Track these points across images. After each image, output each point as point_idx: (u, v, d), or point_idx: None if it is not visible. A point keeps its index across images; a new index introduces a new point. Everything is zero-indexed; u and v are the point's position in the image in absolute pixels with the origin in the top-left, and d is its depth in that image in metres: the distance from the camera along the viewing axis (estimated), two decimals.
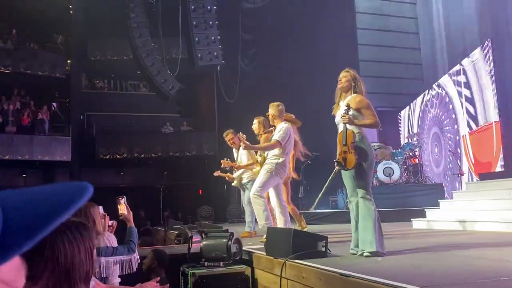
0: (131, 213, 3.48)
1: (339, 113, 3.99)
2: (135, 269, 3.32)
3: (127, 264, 3.28)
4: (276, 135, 5.18)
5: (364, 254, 3.65)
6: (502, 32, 10.50)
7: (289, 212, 5.88)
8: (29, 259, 0.79)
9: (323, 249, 3.80)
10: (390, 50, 14.63)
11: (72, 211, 0.53)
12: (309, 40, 13.81)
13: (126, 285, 3.10)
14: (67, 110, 16.79)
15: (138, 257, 3.40)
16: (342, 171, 3.99)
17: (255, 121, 6.11)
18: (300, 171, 9.56)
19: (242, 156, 6.63)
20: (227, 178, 6.98)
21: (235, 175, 6.81)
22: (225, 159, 6.68)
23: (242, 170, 6.67)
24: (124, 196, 3.50)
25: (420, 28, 14.95)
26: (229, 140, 6.71)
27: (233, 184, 7.04)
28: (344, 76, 4.04)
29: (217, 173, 7.06)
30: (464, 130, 10.88)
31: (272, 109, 5.38)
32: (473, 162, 10.48)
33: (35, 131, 14.84)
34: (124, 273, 3.29)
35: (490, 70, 9.76)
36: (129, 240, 3.34)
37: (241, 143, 5.72)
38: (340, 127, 3.96)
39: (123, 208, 3.46)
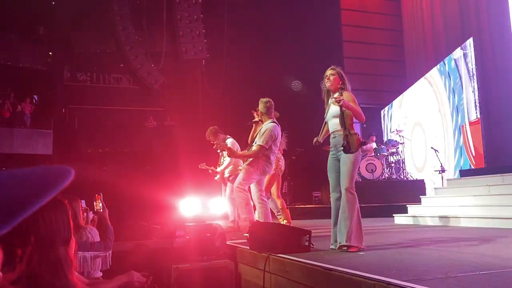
0: (107, 211, 3.51)
1: (330, 109, 4.01)
2: (109, 266, 3.35)
3: (104, 260, 3.31)
4: (260, 139, 5.17)
5: (343, 247, 3.68)
6: (484, 31, 10.66)
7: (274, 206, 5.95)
8: (6, 244, 0.77)
9: (307, 243, 3.82)
10: (374, 47, 14.72)
11: (52, 195, 0.52)
12: (295, 36, 13.81)
13: None
14: (49, 103, 16.51)
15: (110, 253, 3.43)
16: (329, 165, 4.00)
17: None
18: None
19: (225, 154, 6.67)
20: (210, 172, 6.98)
21: (219, 169, 6.82)
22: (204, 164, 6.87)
23: (225, 164, 6.68)
24: (101, 194, 3.49)
25: (404, 25, 15.09)
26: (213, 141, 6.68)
27: (216, 178, 7.03)
28: (332, 74, 4.04)
29: (202, 166, 7.03)
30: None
31: (259, 106, 5.37)
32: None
33: (15, 124, 14.55)
34: (102, 269, 3.32)
35: (472, 69, 9.90)
36: (106, 238, 3.37)
37: (222, 149, 5.86)
38: (331, 123, 3.98)
39: (99, 205, 3.47)
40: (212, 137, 6.51)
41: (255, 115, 5.47)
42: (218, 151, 6.61)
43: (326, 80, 4.05)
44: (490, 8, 10.55)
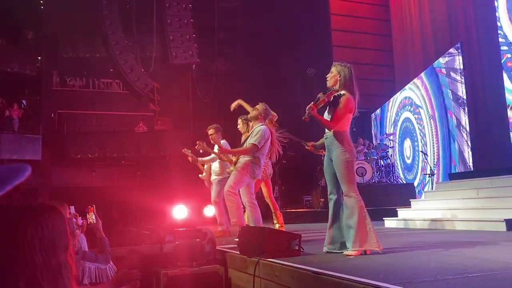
0: (100, 222, 3.46)
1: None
2: (109, 278, 3.29)
3: (104, 273, 3.24)
4: (253, 139, 5.19)
5: (345, 252, 3.66)
6: (471, 36, 10.77)
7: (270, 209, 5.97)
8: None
9: (297, 247, 3.81)
10: (363, 52, 14.82)
11: (6, 189, 0.50)
12: (285, 41, 13.86)
13: None
14: (38, 108, 16.37)
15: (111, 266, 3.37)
16: (325, 165, 3.99)
17: (239, 121, 6.12)
18: (275, 171, 9.58)
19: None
20: (189, 159, 6.78)
21: (205, 167, 6.79)
22: (203, 142, 6.34)
23: (209, 158, 6.65)
24: (94, 206, 3.46)
25: (392, 30, 15.21)
26: (210, 135, 6.61)
27: (200, 176, 6.96)
28: (331, 72, 4.05)
29: (186, 151, 6.78)
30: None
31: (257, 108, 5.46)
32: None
33: (3, 129, 14.40)
34: (98, 281, 3.24)
35: (460, 73, 9.99)
36: (105, 250, 3.32)
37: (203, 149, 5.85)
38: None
39: (92, 218, 3.43)
40: (213, 132, 6.46)
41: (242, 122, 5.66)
42: (201, 151, 6.48)
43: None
44: (477, 13, 10.67)
